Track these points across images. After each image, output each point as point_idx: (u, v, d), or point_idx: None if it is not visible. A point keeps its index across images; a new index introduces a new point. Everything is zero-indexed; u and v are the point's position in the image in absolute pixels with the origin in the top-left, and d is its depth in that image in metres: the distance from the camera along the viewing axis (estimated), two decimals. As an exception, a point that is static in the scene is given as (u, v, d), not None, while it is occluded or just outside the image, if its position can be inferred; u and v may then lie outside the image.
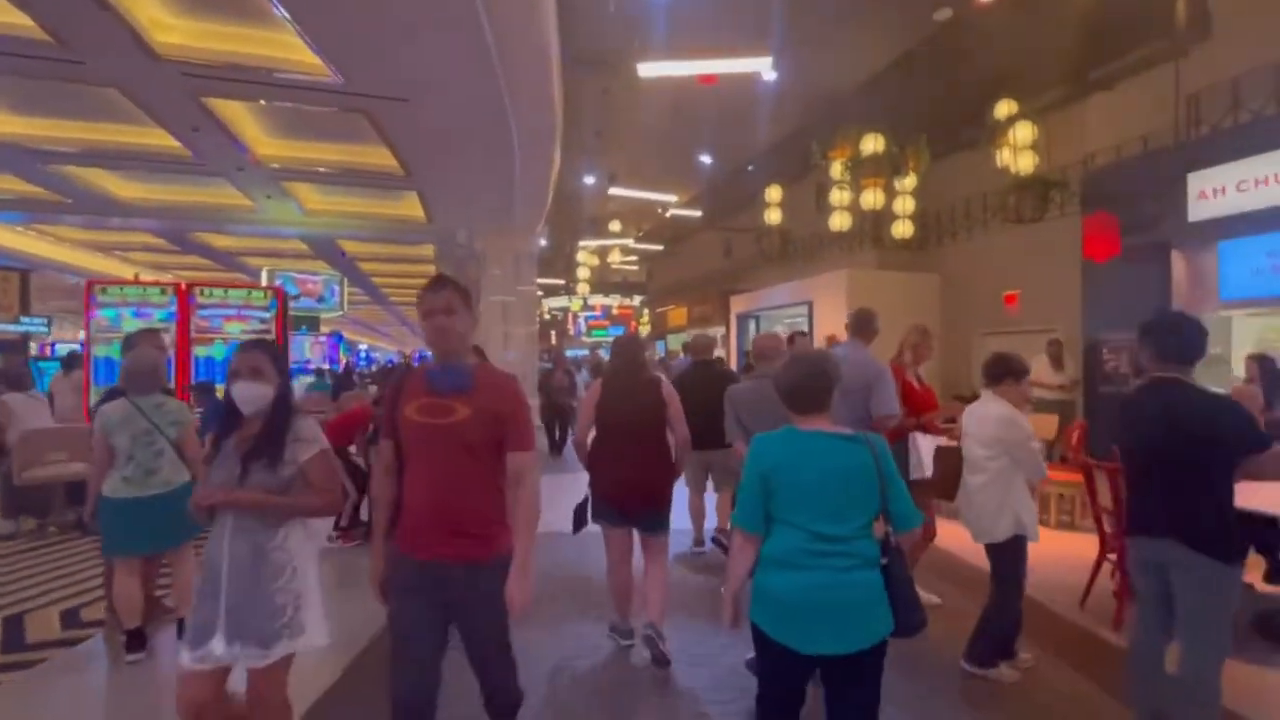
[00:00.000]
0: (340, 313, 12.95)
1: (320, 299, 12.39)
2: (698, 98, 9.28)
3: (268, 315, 8.23)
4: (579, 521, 3.32)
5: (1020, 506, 2.95)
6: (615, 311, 26.64)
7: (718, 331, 16.15)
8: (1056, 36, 8.35)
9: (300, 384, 10.24)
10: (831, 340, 4.93)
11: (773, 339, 3.90)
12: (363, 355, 35.94)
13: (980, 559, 4.42)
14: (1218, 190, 6.19)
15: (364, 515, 5.38)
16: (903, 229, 9.73)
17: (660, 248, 21.12)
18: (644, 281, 26.52)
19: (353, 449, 5.57)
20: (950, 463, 3.21)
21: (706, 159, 12.56)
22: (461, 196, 10.98)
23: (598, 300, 25.46)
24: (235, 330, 8.24)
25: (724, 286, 17.46)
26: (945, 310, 11.31)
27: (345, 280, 13.06)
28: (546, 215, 14.18)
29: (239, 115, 8.04)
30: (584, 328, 26.21)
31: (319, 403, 9.19)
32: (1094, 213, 7.58)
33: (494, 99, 6.89)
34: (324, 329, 13.38)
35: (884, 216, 9.89)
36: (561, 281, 23.20)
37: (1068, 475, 5.53)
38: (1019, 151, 8.35)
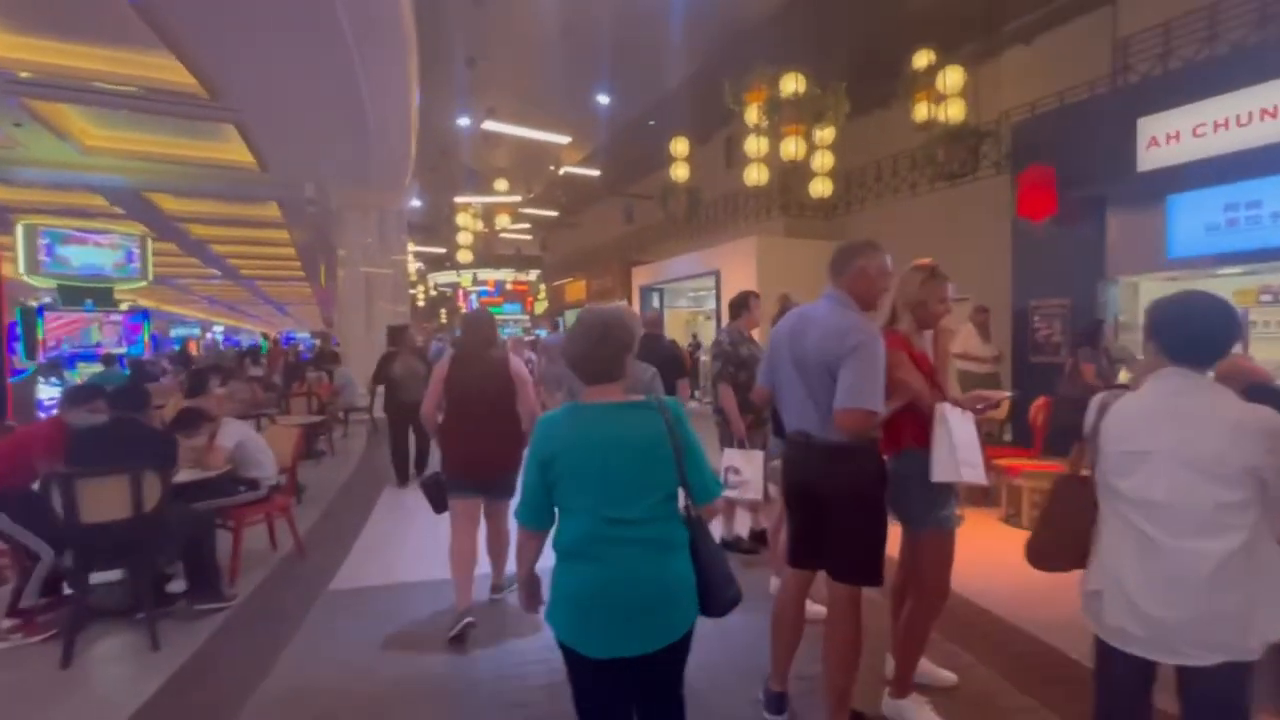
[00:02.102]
0: (143, 283, 10.30)
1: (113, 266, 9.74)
2: (591, 17, 7.73)
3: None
4: (439, 502, 3.29)
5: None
6: (510, 287, 24.71)
7: (620, 304, 14.96)
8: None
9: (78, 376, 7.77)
10: (784, 300, 3.63)
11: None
12: (217, 339, 31.53)
13: (1017, 614, 3.07)
14: (1171, 136, 5.56)
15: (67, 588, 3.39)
16: (821, 187, 8.76)
17: (555, 214, 19.39)
18: (539, 254, 24.71)
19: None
20: (1079, 505, 1.72)
21: (604, 99, 10.99)
22: (298, 134, 8.81)
23: (490, 275, 23.41)
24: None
25: (626, 257, 16.29)
26: (859, 279, 10.64)
27: (149, 242, 10.37)
28: (417, 168, 12.11)
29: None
30: (476, 305, 24.10)
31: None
32: (1027, 167, 6.88)
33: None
34: (126, 303, 10.64)
35: (799, 174, 8.90)
36: (444, 250, 20.91)
37: (1045, 465, 4.70)
38: (949, 100, 7.54)
